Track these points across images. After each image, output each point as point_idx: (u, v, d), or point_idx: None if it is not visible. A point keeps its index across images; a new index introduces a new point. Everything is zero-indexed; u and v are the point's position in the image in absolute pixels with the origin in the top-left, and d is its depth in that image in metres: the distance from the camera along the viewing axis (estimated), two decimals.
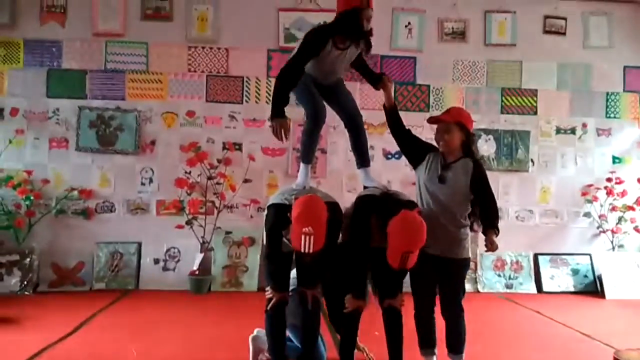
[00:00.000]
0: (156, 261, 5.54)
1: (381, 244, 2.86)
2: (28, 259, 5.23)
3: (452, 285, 3.10)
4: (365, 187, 3.42)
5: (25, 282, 5.17)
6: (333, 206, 2.97)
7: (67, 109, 5.58)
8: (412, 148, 3.25)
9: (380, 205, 2.95)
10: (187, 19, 5.70)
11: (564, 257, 5.93)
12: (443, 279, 3.09)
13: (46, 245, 5.43)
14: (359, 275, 3.04)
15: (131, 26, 5.67)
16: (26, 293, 5.13)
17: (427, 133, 5.63)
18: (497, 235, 3.03)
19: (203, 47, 5.73)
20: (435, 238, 2.94)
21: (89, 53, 5.62)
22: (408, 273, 3.01)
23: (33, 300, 4.95)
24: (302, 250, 2.71)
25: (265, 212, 3.16)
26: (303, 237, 2.69)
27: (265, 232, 3.08)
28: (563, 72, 6.09)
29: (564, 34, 6.09)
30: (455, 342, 3.09)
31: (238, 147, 5.72)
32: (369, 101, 5.76)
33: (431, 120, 3.23)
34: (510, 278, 5.84)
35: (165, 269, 5.53)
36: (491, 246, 3.02)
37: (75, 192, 5.49)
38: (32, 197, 5.29)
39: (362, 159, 3.50)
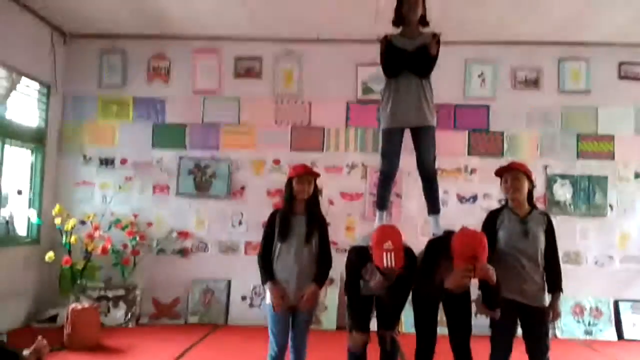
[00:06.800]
0: (243, 298, 5.97)
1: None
2: (132, 294, 5.82)
3: (538, 335, 3.21)
4: (434, 234, 3.62)
5: (129, 315, 5.75)
6: (407, 250, 3.23)
7: (169, 159, 6.22)
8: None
9: (447, 245, 3.10)
10: (274, 76, 6.27)
11: None
12: (529, 329, 3.23)
13: (148, 281, 6.00)
14: (429, 316, 3.27)
15: (226, 84, 6.29)
16: (130, 325, 5.68)
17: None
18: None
19: (288, 101, 6.25)
20: (524, 287, 3.16)
21: (189, 108, 6.27)
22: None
23: (136, 332, 5.49)
24: (385, 265, 2.96)
25: (347, 255, 3.46)
26: (385, 254, 2.96)
27: (346, 272, 3.36)
28: None
29: None
30: None
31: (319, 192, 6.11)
32: (443, 147, 5.93)
33: (502, 169, 3.43)
34: (589, 324, 5.79)
35: (251, 305, 5.95)
36: (556, 313, 3.21)
37: (174, 234, 6.09)
38: (137, 238, 5.93)
39: (433, 206, 3.73)
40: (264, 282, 3.35)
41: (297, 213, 3.38)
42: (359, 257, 3.26)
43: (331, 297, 5.85)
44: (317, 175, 3.47)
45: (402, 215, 6.02)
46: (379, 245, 3.01)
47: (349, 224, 6.10)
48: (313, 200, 3.44)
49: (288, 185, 3.42)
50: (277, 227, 3.37)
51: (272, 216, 3.44)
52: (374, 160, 3.87)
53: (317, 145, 6.21)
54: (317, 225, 3.41)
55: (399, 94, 3.59)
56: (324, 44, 6.21)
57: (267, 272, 3.33)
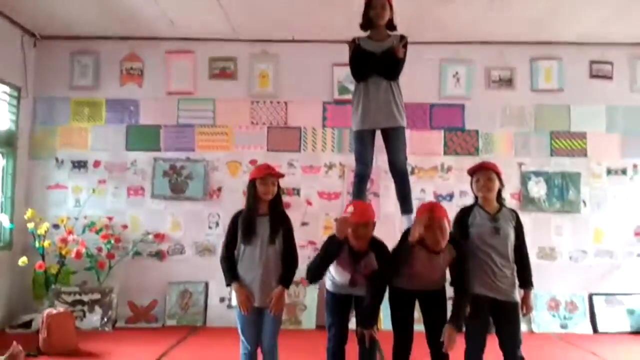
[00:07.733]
0: (222, 299, 5.92)
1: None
2: (108, 298, 5.73)
3: (511, 329, 3.29)
4: None
5: (106, 319, 5.65)
6: (378, 243, 3.34)
7: (143, 161, 6.15)
8: None
9: None
10: (249, 76, 6.23)
11: (619, 297, 5.93)
12: (502, 324, 3.31)
13: (124, 284, 5.91)
14: (405, 312, 3.34)
15: (200, 85, 6.24)
16: (106, 329, 5.59)
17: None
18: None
19: (264, 102, 6.23)
20: (496, 283, 3.23)
21: (163, 110, 6.21)
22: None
23: (112, 336, 5.41)
24: (347, 212, 3.26)
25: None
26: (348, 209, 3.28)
27: (320, 253, 3.41)
28: (612, 115, 6.19)
29: (611, 78, 6.23)
30: None
31: (296, 192, 6.11)
32: (420, 146, 6.04)
33: (474, 168, 3.50)
34: (565, 318, 5.88)
35: (229, 306, 5.88)
36: (528, 308, 3.33)
37: (150, 236, 6.02)
38: (112, 241, 5.84)
39: (405, 206, 3.79)
40: (228, 284, 3.33)
41: (261, 214, 3.35)
42: (337, 244, 3.31)
43: (310, 296, 5.84)
44: (281, 175, 3.46)
45: (380, 214, 6.01)
46: (346, 209, 3.34)
47: (327, 223, 6.09)
48: (276, 200, 3.41)
49: (251, 186, 3.37)
50: (240, 229, 3.33)
51: (235, 218, 3.40)
52: (352, 160, 3.96)
53: (294, 145, 6.20)
54: (281, 224, 3.38)
55: (369, 96, 3.63)
56: (299, 45, 6.20)
57: (232, 273, 3.31)
